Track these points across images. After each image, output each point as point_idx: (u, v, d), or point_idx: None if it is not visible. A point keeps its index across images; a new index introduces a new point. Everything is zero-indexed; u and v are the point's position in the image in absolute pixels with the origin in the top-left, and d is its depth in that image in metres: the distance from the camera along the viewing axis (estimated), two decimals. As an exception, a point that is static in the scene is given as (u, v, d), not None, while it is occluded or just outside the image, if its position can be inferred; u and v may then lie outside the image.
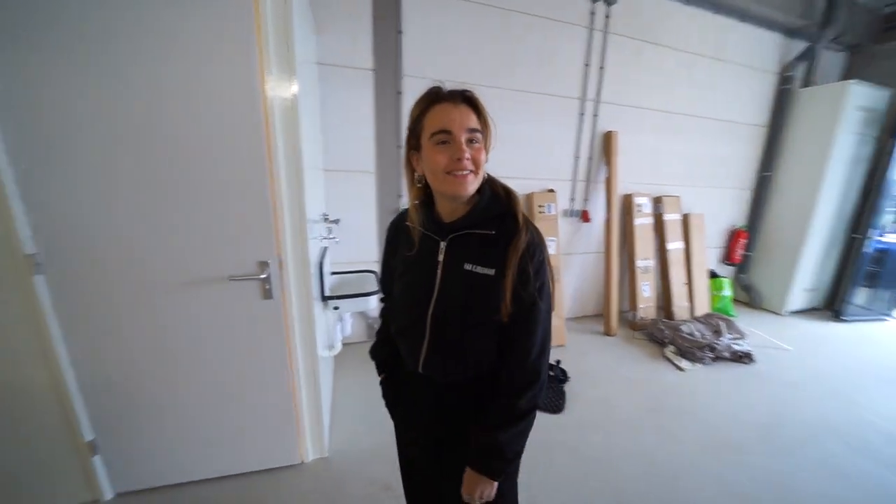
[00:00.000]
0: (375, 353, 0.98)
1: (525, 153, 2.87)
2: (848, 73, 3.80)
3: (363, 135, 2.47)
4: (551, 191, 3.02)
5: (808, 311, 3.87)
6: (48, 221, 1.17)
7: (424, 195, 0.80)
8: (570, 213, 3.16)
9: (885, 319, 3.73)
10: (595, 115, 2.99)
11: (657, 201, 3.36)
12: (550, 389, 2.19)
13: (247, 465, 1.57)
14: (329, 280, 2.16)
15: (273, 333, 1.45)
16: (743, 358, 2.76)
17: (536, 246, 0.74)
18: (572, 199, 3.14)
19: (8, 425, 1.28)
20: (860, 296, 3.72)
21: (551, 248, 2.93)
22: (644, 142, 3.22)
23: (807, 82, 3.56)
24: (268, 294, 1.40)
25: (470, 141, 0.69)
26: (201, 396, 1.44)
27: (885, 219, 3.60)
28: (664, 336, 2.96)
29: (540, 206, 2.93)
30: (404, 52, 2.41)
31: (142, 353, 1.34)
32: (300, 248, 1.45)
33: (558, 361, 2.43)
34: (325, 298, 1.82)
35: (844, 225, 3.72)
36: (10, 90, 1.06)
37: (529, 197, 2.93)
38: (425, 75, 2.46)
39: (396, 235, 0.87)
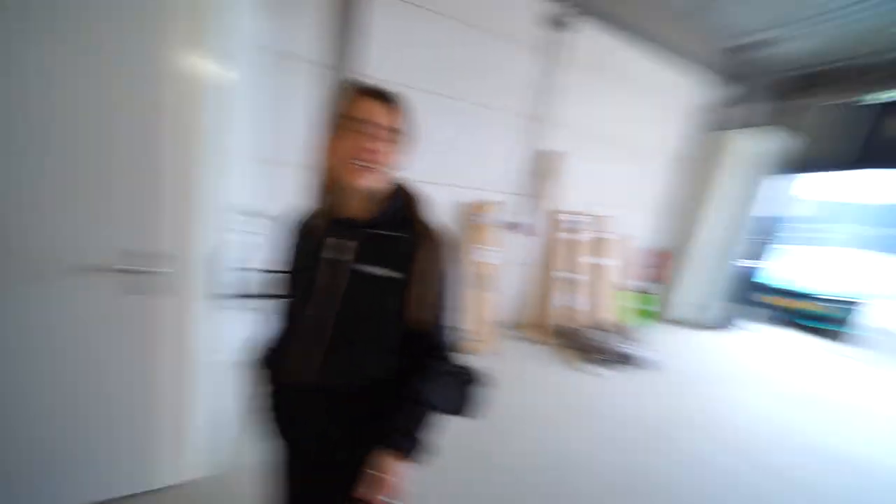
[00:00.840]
0: (266, 361, 0.86)
1: (468, 162, 2.92)
2: (768, 119, 4.21)
3: (297, 126, 2.33)
4: (491, 202, 3.09)
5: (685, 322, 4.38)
6: None
7: (331, 192, 0.77)
8: (510, 225, 3.25)
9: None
10: (537, 134, 3.13)
11: (586, 218, 3.59)
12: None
13: (108, 488, 1.33)
14: (249, 278, 1.98)
15: (137, 334, 1.26)
16: (632, 360, 3.01)
17: (445, 251, 0.75)
18: (512, 212, 3.24)
19: None
20: (723, 309, 4.35)
21: (490, 257, 3.00)
22: (582, 162, 3.44)
23: (731, 124, 4.03)
24: (134, 289, 1.19)
25: (381, 138, 0.69)
26: (53, 408, 1.21)
27: (743, 247, 4.27)
28: (578, 342, 3.15)
29: (474, 216, 2.99)
30: (361, 50, 2.33)
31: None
32: (190, 240, 1.27)
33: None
34: (230, 297, 1.66)
35: (722, 252, 4.28)
36: None
37: (469, 205, 2.99)
38: (375, 75, 2.40)
39: (299, 230, 0.83)
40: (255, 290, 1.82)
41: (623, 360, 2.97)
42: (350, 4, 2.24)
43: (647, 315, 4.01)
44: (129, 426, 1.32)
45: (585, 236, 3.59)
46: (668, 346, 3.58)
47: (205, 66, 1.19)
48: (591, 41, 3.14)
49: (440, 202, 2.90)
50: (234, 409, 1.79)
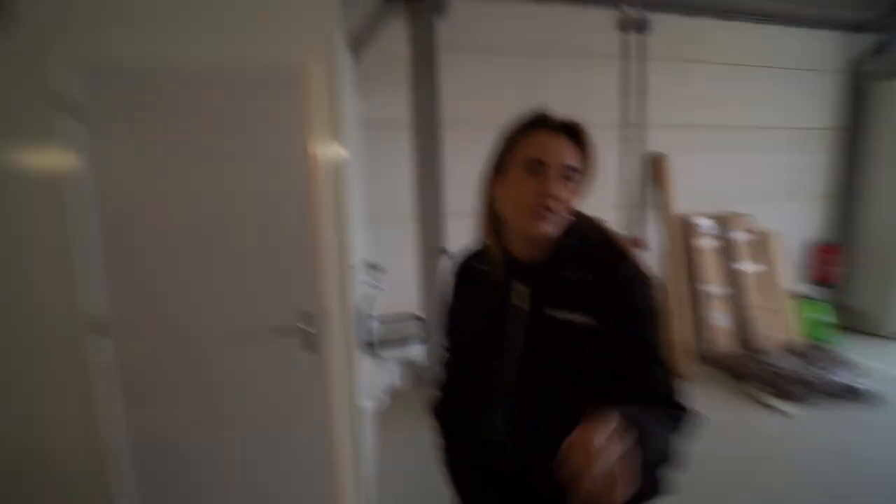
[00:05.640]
0: (438, 411, 0.82)
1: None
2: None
3: (403, 183, 2.52)
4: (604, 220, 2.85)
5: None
6: (116, 285, 1.24)
7: (496, 232, 0.69)
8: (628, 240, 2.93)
9: None
10: (640, 140, 2.85)
11: (721, 221, 3.04)
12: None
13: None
14: (376, 328, 2.11)
15: (316, 389, 1.38)
16: (854, 394, 2.23)
17: (640, 283, 0.62)
18: (624, 227, 2.93)
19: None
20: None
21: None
22: (697, 160, 3.00)
23: (887, 75, 3.17)
24: (311, 346, 1.35)
25: (565, 178, 0.60)
26: (243, 454, 1.39)
27: None
28: (748, 371, 2.51)
29: (622, 239, 2.75)
30: (441, 104, 2.48)
31: (187, 409, 1.34)
32: (344, 298, 1.41)
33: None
34: (370, 348, 1.76)
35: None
36: (107, 167, 1.19)
37: (611, 229, 2.78)
38: (460, 122, 2.52)
39: (464, 275, 0.76)
40: (387, 337, 1.92)
41: (819, 390, 2.27)
42: (425, 66, 2.43)
43: (823, 328, 3.08)
44: (315, 471, 1.43)
45: (729, 239, 3.02)
46: (881, 368, 2.64)
47: (340, 149, 1.37)
48: (674, 33, 2.82)
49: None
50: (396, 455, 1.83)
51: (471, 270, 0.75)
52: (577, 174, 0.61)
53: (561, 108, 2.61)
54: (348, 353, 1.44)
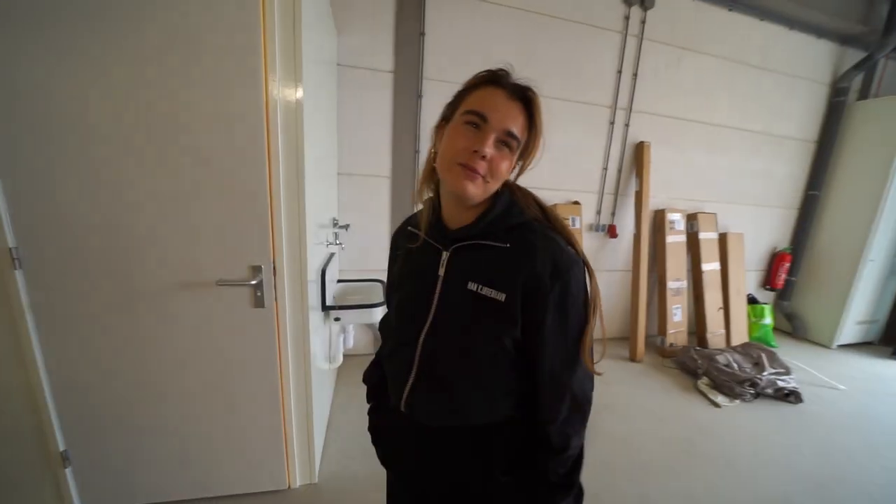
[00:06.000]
0: (367, 375, 0.84)
1: (550, 163, 2.70)
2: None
3: (379, 138, 2.37)
4: (576, 203, 2.83)
5: (862, 346, 3.46)
6: (30, 214, 1.09)
7: (436, 193, 0.67)
8: (595, 228, 2.95)
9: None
10: (626, 125, 2.80)
11: (691, 218, 3.10)
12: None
13: (229, 486, 1.44)
14: (333, 288, 2.04)
15: (264, 345, 1.32)
16: (789, 396, 2.44)
17: (567, 266, 0.58)
18: (598, 213, 2.93)
19: None
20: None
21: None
22: (679, 154, 3.00)
23: (864, 94, 3.25)
24: (259, 302, 1.28)
25: (501, 143, 0.56)
26: (184, 410, 1.33)
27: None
28: (697, 366, 2.67)
29: (564, 219, 2.73)
30: (426, 54, 2.32)
31: (122, 360, 1.24)
32: (297, 253, 1.33)
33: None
34: (325, 308, 1.69)
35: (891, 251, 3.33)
36: (10, 83, 1.00)
37: (552, 209, 2.75)
38: (447, 79, 2.36)
39: (399, 240, 0.74)
40: (351, 301, 1.86)
41: (751, 387, 2.45)
42: (412, 9, 2.22)
43: (767, 331, 3.31)
44: (264, 429, 1.41)
45: (696, 237, 3.10)
46: (837, 376, 2.86)
47: (298, 90, 1.22)
48: (676, 14, 2.71)
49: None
50: (346, 414, 1.83)
51: (406, 234, 0.71)
52: (516, 143, 0.57)
53: (551, 78, 2.50)
54: (299, 310, 1.38)
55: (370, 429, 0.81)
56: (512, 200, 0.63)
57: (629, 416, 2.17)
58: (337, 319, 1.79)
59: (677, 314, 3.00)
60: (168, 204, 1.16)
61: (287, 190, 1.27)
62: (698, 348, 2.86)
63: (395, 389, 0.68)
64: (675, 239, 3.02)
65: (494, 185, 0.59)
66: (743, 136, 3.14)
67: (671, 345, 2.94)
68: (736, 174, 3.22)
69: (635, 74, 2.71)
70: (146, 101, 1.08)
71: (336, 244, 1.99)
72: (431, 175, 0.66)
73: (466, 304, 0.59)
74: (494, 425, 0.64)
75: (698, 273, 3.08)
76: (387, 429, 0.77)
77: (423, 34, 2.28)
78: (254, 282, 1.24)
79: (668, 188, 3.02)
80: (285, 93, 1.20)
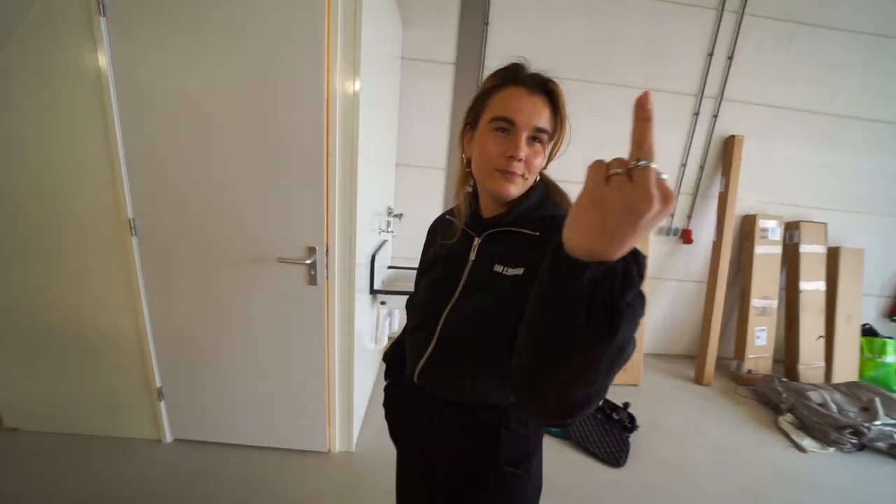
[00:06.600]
0: (389, 353, 0.88)
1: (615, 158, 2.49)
2: None
3: (437, 130, 2.41)
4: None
5: None
6: (145, 192, 1.33)
7: (472, 185, 0.70)
8: (666, 231, 2.67)
9: None
10: (714, 116, 2.46)
11: (791, 226, 2.64)
12: (611, 437, 1.85)
13: (280, 440, 1.63)
14: (383, 274, 2.15)
15: (314, 319, 1.46)
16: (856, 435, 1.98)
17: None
18: (672, 215, 2.65)
19: (97, 363, 1.52)
20: None
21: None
22: (780, 150, 2.55)
23: None
24: (312, 280, 1.40)
25: (532, 139, 0.58)
26: (250, 367, 1.53)
27: None
28: (780, 400, 2.30)
29: None
30: (489, 44, 2.28)
31: (206, 318, 1.46)
32: (348, 238, 1.43)
33: (626, 405, 2.05)
34: (373, 291, 1.80)
35: None
36: (130, 79, 1.23)
37: None
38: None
39: (437, 228, 0.80)
40: (399, 287, 1.95)
41: (854, 435, 2.04)
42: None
43: (887, 370, 2.69)
44: (311, 395, 1.56)
45: (796, 250, 2.64)
46: None
47: (356, 83, 1.30)
48: None
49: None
50: (380, 397, 1.96)
51: (445, 223, 0.76)
52: (547, 136, 0.58)
53: (627, 66, 2.30)
54: (347, 290, 1.48)
55: (385, 403, 0.86)
56: (547, 194, 0.65)
57: (685, 443, 1.96)
58: (383, 303, 1.89)
59: (761, 337, 2.60)
60: (243, 186, 1.32)
61: (342, 178, 1.36)
62: (785, 380, 2.45)
63: (412, 360, 0.71)
64: (767, 250, 2.60)
65: (532, 179, 0.62)
66: (872, 129, 2.54)
67: (749, 371, 2.56)
68: (858, 176, 2.63)
69: (730, 57, 2.36)
70: (233, 99, 1.24)
71: (388, 232, 2.09)
72: (466, 178, 0.69)
73: (490, 284, 0.61)
74: (502, 415, 0.64)
75: (794, 292, 2.62)
76: (401, 404, 0.81)
77: (486, 24, 2.24)
78: (308, 261, 1.37)
79: (761, 190, 2.60)
80: (344, 85, 1.28)
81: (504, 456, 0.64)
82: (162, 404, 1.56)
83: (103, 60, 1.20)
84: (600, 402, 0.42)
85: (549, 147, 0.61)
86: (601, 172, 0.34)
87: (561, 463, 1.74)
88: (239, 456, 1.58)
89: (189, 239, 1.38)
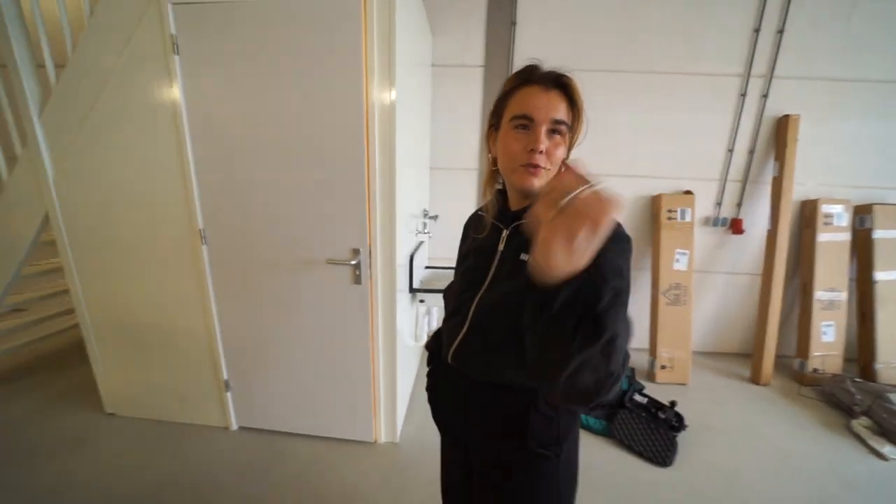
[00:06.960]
0: (430, 343, 0.94)
1: (657, 147, 2.40)
2: None
3: (469, 131, 2.46)
4: (688, 192, 2.46)
5: None
6: (213, 205, 1.51)
7: (501, 182, 0.76)
8: (713, 222, 2.53)
9: None
10: (764, 96, 2.30)
11: (862, 210, 2.39)
12: (657, 435, 1.79)
13: (330, 430, 1.75)
14: (421, 273, 2.23)
15: (359, 317, 1.56)
16: None
17: (619, 236, 0.59)
18: (718, 204, 2.50)
19: (176, 356, 1.72)
20: None
21: (681, 263, 2.40)
22: (844, 127, 2.33)
23: None
24: (357, 279, 1.51)
25: (552, 132, 0.62)
26: (303, 362, 1.66)
27: None
28: (854, 401, 2.09)
29: (670, 212, 2.42)
30: (518, 42, 2.30)
31: (265, 316, 1.62)
32: (388, 240, 1.51)
33: (673, 403, 1.97)
34: (412, 290, 1.88)
35: None
36: (198, 108, 1.40)
37: (656, 199, 2.46)
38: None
39: (470, 224, 0.86)
40: (436, 286, 2.03)
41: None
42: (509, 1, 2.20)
43: None
44: (358, 388, 1.67)
45: (868, 236, 2.40)
46: None
47: (392, 92, 1.38)
48: None
49: (625, 198, 2.55)
50: (422, 392, 2.04)
51: (477, 219, 0.82)
52: (566, 127, 0.62)
53: (661, 52, 2.27)
54: (389, 289, 1.57)
55: (427, 388, 0.91)
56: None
57: (740, 445, 1.85)
58: (422, 301, 1.97)
59: (828, 333, 2.38)
60: (295, 196, 1.45)
61: (381, 183, 1.45)
62: (859, 380, 2.22)
63: (448, 344, 0.77)
64: (832, 237, 2.38)
65: (555, 171, 0.65)
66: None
67: (815, 370, 2.35)
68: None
69: (780, 31, 2.19)
70: (285, 117, 1.38)
71: (425, 233, 2.16)
72: (494, 177, 0.75)
73: (517, 272, 0.65)
74: (532, 398, 0.68)
75: (867, 283, 2.37)
76: (440, 386, 0.86)
77: (514, 23, 2.26)
78: (353, 262, 1.48)
79: (821, 173, 2.39)
80: (381, 96, 1.37)
81: (534, 437, 0.68)
82: (228, 395, 1.74)
83: (177, 93, 1.38)
84: (618, 384, 0.48)
85: (569, 138, 0.65)
86: (550, 207, 0.41)
87: (601, 460, 1.72)
88: (293, 444, 1.72)
89: (250, 246, 1.53)
